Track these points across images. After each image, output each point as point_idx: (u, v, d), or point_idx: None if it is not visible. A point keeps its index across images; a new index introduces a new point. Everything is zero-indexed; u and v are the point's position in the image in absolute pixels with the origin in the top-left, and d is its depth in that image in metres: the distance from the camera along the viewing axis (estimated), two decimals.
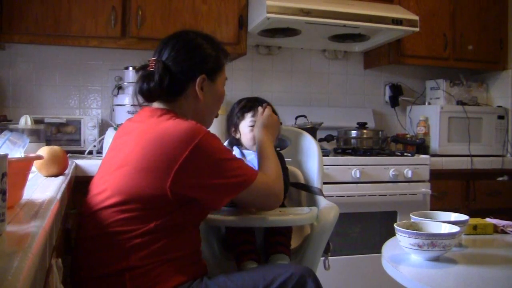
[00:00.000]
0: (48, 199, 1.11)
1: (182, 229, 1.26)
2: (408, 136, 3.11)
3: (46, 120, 2.48)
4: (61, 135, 2.52)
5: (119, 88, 2.62)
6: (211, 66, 1.38)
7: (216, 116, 1.50)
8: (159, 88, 1.31)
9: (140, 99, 1.36)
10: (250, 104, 1.63)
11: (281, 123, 1.72)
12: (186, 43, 1.38)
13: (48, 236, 0.85)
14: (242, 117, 1.63)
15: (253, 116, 1.61)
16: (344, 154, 2.74)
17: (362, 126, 2.90)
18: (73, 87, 2.78)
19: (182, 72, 1.34)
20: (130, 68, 2.61)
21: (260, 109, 1.59)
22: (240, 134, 1.65)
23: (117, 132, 1.43)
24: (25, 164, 1.08)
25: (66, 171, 1.63)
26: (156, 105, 1.36)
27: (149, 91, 1.33)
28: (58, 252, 1.13)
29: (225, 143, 1.80)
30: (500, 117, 3.13)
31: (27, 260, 0.65)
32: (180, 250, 1.25)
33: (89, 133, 2.54)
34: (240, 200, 1.35)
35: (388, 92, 3.33)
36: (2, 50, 2.61)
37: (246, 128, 1.62)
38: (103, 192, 1.24)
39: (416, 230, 1.29)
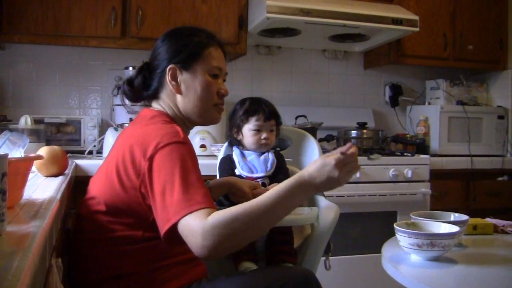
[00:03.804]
0: (48, 199, 1.11)
1: None
2: (408, 136, 3.10)
3: (46, 120, 2.48)
4: (61, 135, 2.52)
5: (119, 88, 2.61)
6: (182, 55, 1.30)
7: (220, 109, 1.37)
8: (130, 88, 1.34)
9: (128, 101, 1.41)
10: (255, 107, 1.61)
11: (281, 123, 1.72)
12: (164, 37, 1.36)
13: (48, 236, 0.85)
14: (246, 120, 1.61)
15: (257, 120, 1.60)
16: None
17: (362, 126, 2.90)
18: (73, 87, 2.78)
19: (156, 67, 1.33)
20: (130, 68, 2.60)
21: (346, 147, 1.12)
22: (243, 136, 1.64)
23: (120, 133, 1.44)
24: (25, 164, 1.08)
25: (66, 171, 1.63)
26: (153, 105, 1.36)
27: (124, 93, 1.37)
28: (58, 252, 1.13)
29: (225, 144, 1.80)
30: (500, 117, 3.13)
31: (27, 260, 0.65)
32: (176, 257, 1.23)
33: (89, 133, 2.54)
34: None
35: (388, 92, 3.33)
36: (2, 50, 2.61)
37: (249, 132, 1.62)
38: (95, 198, 1.23)
39: (416, 230, 1.29)
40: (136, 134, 1.22)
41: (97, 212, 1.21)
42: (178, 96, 1.32)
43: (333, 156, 1.09)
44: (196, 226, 1.03)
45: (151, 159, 1.13)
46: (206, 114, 1.34)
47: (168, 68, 1.29)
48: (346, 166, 1.09)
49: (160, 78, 1.32)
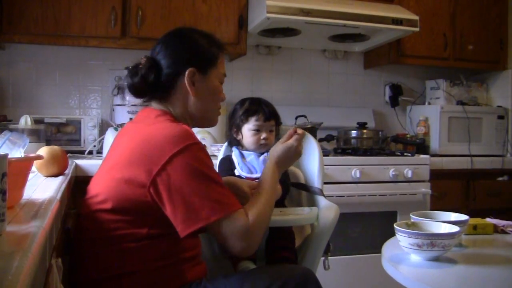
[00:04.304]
0: (48, 199, 1.11)
1: (179, 235, 1.22)
2: (408, 136, 3.11)
3: (46, 120, 2.48)
4: (61, 135, 2.52)
5: (119, 88, 2.62)
6: (202, 59, 1.34)
7: (219, 114, 1.46)
8: (143, 83, 1.31)
9: (132, 98, 1.39)
10: (254, 108, 1.61)
11: (281, 123, 1.72)
12: (178, 37, 1.37)
13: (48, 236, 0.85)
14: (246, 120, 1.61)
15: (257, 120, 1.61)
16: (344, 154, 2.74)
17: (362, 126, 2.90)
18: (73, 87, 2.78)
19: (170, 66, 1.32)
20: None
21: (291, 129, 1.45)
22: (242, 136, 1.64)
23: (119, 132, 1.44)
24: (25, 164, 1.08)
25: (66, 171, 1.63)
26: (154, 105, 1.36)
27: (133, 86, 1.32)
28: (58, 252, 1.13)
29: (225, 144, 1.80)
30: (500, 117, 3.13)
31: (27, 260, 0.65)
32: (178, 256, 1.23)
33: (89, 133, 2.54)
34: (209, 230, 1.20)
35: (388, 92, 3.33)
36: (2, 50, 2.61)
37: (249, 132, 1.61)
38: (97, 196, 1.23)
39: (416, 230, 1.29)
40: (144, 133, 1.22)
41: (100, 211, 1.21)
42: (191, 98, 1.34)
43: (292, 139, 1.42)
44: (240, 228, 1.16)
45: (169, 161, 1.13)
46: (211, 117, 1.42)
47: (188, 70, 1.31)
48: (300, 143, 1.43)
49: (174, 78, 1.33)
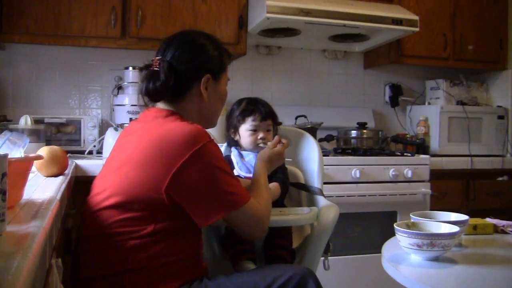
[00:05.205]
0: (48, 199, 1.11)
1: (182, 233, 1.25)
2: (408, 136, 3.11)
3: (46, 120, 2.49)
4: (61, 135, 2.53)
5: (119, 88, 2.63)
6: (215, 66, 1.38)
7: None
8: (165, 87, 1.30)
9: (146, 99, 1.35)
10: (251, 108, 1.62)
11: (281, 123, 1.72)
12: (190, 42, 1.38)
13: (48, 236, 0.85)
14: (242, 120, 1.62)
15: (253, 120, 1.60)
16: (344, 154, 2.74)
17: (362, 126, 2.90)
18: (73, 87, 2.78)
19: (187, 72, 1.33)
20: (130, 68, 2.61)
21: (275, 138, 1.55)
22: (240, 137, 1.64)
23: (122, 132, 1.44)
24: (25, 164, 1.08)
25: (66, 171, 1.63)
26: (161, 106, 1.36)
27: (155, 90, 1.31)
28: (58, 252, 1.13)
29: (225, 144, 1.80)
30: (500, 117, 3.13)
31: (27, 260, 0.65)
32: (180, 254, 1.24)
33: (89, 133, 2.54)
34: (227, 221, 1.29)
35: (388, 92, 3.33)
36: (2, 50, 2.61)
37: (246, 132, 1.61)
38: (103, 192, 1.24)
39: (416, 230, 1.29)
40: (157, 132, 1.23)
41: (105, 208, 1.21)
42: (203, 102, 1.36)
43: (279, 146, 1.54)
44: (256, 214, 1.28)
45: (188, 160, 1.17)
46: (214, 120, 1.46)
47: (204, 77, 1.34)
48: (284, 149, 1.56)
49: (188, 82, 1.34)
